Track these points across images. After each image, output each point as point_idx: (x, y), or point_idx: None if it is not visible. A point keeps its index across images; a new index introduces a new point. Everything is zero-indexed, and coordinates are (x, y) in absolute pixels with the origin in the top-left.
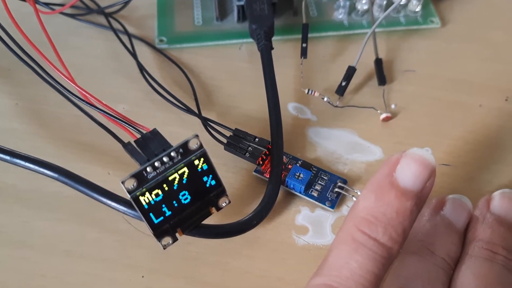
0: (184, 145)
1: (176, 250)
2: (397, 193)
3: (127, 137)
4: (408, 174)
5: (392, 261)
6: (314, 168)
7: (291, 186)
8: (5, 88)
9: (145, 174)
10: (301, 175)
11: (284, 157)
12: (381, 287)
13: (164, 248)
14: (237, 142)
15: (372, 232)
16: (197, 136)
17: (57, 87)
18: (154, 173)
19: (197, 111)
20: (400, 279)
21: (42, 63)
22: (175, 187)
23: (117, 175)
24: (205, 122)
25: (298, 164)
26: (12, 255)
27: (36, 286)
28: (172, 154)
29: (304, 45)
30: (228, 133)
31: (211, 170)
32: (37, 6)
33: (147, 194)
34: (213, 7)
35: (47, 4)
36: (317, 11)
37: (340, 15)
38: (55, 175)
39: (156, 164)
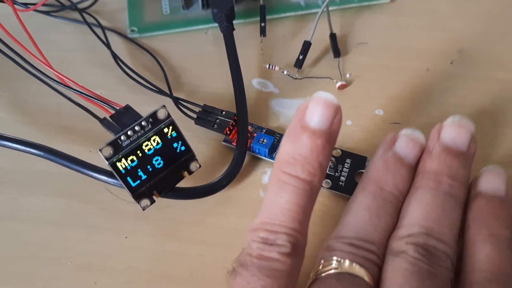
0: (153, 115)
1: (155, 213)
2: (308, 134)
3: (103, 114)
4: (316, 116)
5: (316, 192)
6: (277, 135)
7: (256, 150)
8: None
9: (120, 142)
10: (265, 140)
11: (249, 126)
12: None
13: (143, 210)
14: (206, 116)
15: (293, 171)
16: (164, 106)
17: (37, 74)
18: (128, 141)
19: (168, 92)
20: (351, 212)
21: (24, 56)
22: (148, 153)
23: (97, 152)
24: (176, 101)
25: (262, 132)
26: (4, 228)
27: (27, 252)
28: (143, 123)
29: (262, 24)
30: (198, 109)
31: (180, 137)
32: (15, 6)
33: (123, 160)
34: None
35: (25, 4)
36: None
37: None
38: (41, 153)
39: (129, 133)
